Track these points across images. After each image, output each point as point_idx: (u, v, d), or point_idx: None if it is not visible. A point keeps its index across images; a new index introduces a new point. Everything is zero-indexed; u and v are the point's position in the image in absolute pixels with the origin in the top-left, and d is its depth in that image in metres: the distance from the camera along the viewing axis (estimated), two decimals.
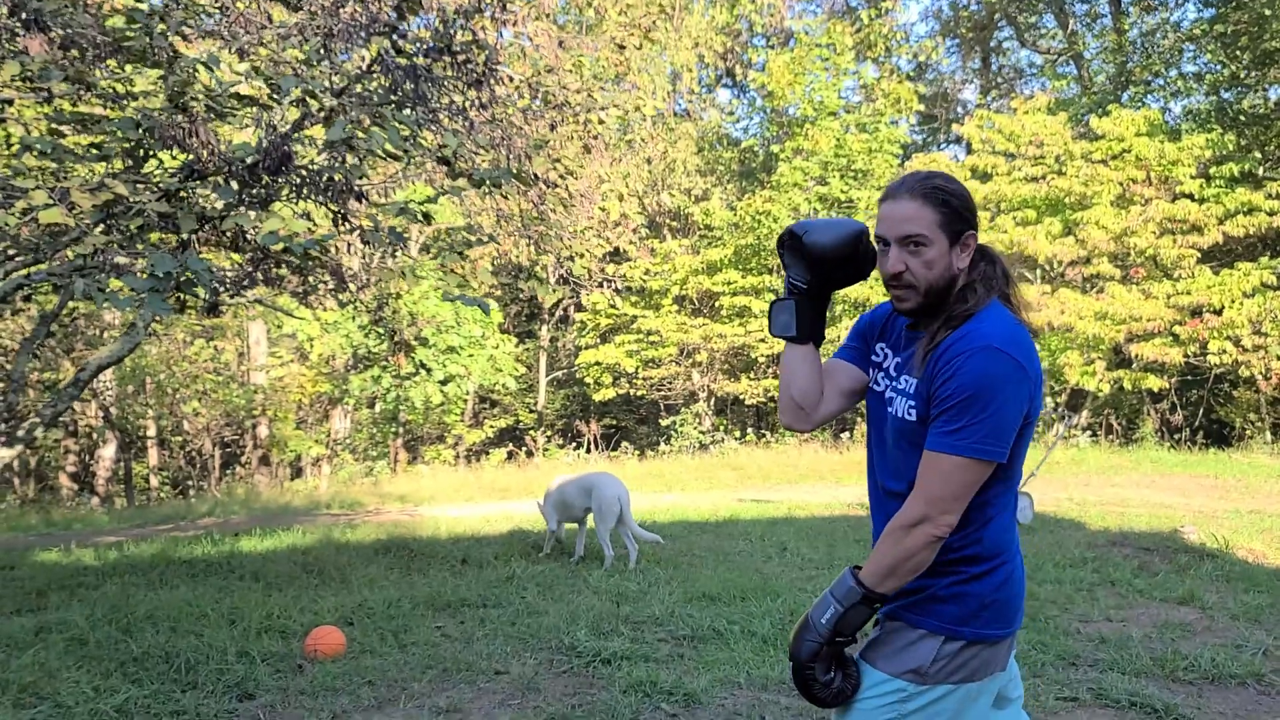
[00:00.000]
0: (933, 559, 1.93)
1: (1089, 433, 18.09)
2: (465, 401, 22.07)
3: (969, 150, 19.65)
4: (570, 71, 6.79)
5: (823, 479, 14.99)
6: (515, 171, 5.36)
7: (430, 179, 6.21)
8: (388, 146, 4.75)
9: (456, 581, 7.07)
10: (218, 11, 6.32)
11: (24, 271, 6.18)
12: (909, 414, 2.01)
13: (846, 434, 18.83)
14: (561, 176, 7.67)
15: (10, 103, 6.15)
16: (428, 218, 5.31)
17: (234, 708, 4.50)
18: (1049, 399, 18.65)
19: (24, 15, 5.23)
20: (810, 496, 12.59)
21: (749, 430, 20.27)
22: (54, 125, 6.09)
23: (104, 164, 5.12)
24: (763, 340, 19.42)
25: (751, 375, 20.80)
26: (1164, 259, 17.11)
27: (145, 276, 4.07)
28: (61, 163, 4.92)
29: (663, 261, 20.79)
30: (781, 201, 19.17)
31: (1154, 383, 17.10)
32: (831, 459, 16.77)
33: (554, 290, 21.17)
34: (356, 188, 5.13)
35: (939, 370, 1.93)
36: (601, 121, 6.43)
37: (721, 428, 21.08)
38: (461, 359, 18.34)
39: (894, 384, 2.10)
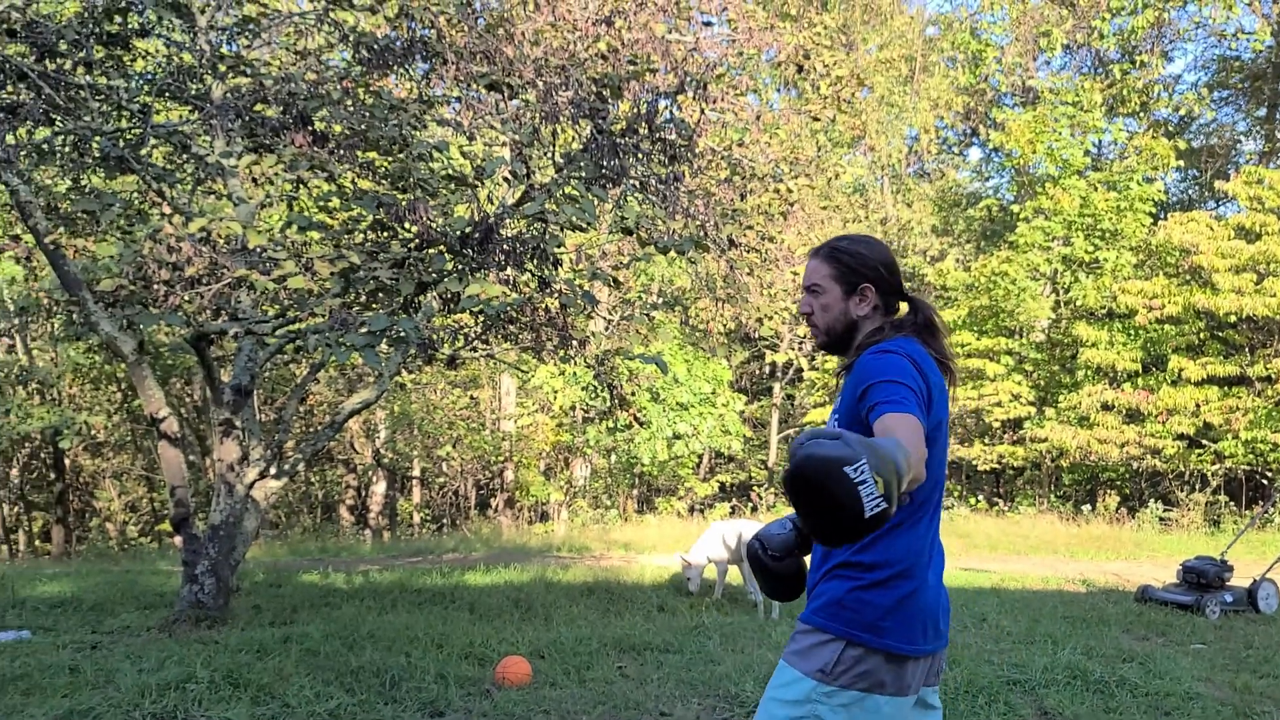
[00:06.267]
0: None
1: None
2: (698, 456, 22.60)
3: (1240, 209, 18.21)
4: (769, 143, 7.18)
5: (1054, 552, 14.20)
6: (698, 240, 5.75)
7: (621, 248, 6.73)
8: (576, 220, 5.27)
9: (646, 625, 7.42)
10: (454, 100, 7.17)
11: (294, 327, 7.20)
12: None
13: (1089, 506, 17.69)
14: (766, 239, 7.98)
15: (304, 183, 7.26)
16: (617, 283, 5.76)
17: None
18: None
19: (293, 113, 6.22)
20: (1031, 569, 12.00)
21: (980, 497, 19.46)
22: (323, 204, 7.12)
23: (346, 237, 5.95)
24: (997, 404, 18.69)
25: (985, 440, 20.00)
26: None
27: (363, 333, 4.76)
28: (310, 234, 5.76)
29: None
30: (1019, 262, 18.49)
31: None
32: (1068, 531, 15.82)
33: (736, 350, 21.47)
34: (553, 255, 5.68)
35: (847, 385, 2.23)
36: (791, 190, 6.75)
37: (954, 494, 20.35)
38: (690, 417, 18.86)
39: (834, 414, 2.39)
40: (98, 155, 6.36)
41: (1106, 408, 17.87)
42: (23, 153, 5.93)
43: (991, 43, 23.44)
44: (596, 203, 6.03)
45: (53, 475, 21.02)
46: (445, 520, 24.23)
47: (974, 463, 20.14)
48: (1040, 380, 19.83)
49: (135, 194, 7.12)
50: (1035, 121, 19.52)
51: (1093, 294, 18.45)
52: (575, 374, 18.61)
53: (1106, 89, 22.18)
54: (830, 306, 2.35)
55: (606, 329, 18.26)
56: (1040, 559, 13.55)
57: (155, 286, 5.74)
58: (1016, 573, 11.55)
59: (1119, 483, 19.67)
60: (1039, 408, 19.32)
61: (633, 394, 17.04)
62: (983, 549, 14.66)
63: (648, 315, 5.69)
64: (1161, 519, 16.91)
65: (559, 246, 5.80)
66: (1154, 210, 19.05)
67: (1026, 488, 21.43)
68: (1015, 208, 20.35)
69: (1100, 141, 23.05)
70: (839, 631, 2.17)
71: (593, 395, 18.27)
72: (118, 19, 6.73)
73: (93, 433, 19.06)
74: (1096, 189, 18.78)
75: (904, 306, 2.38)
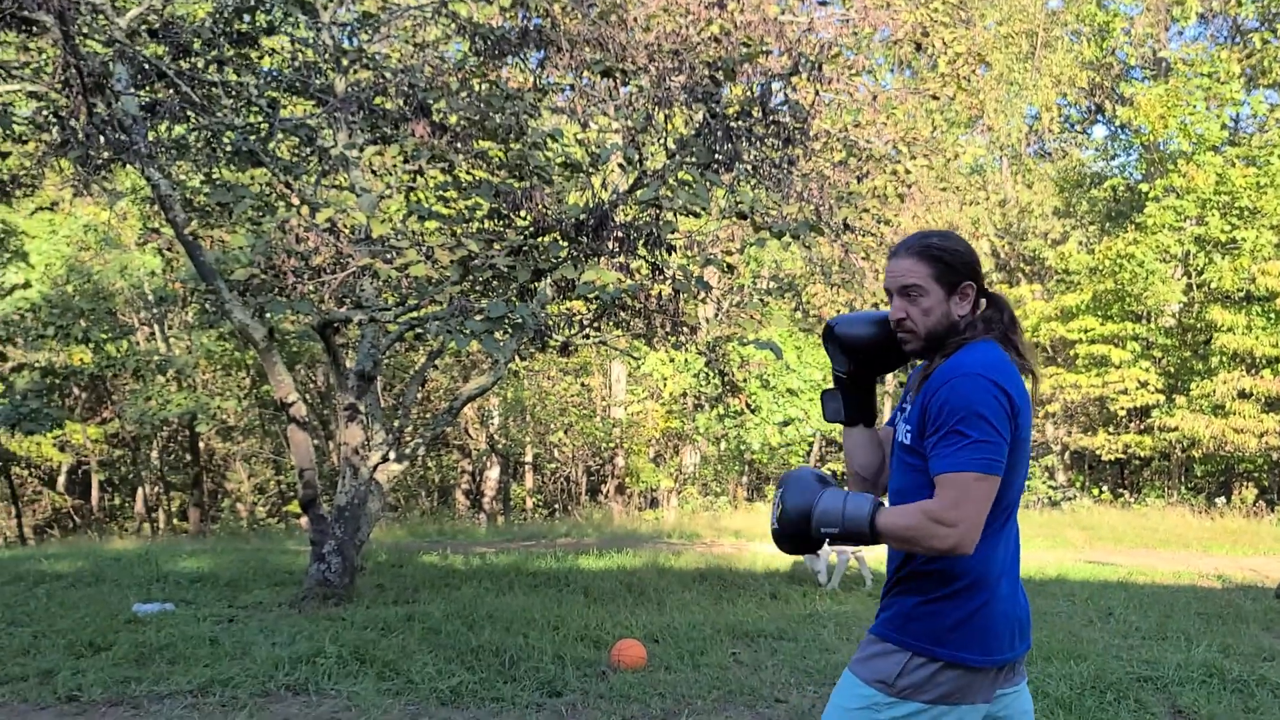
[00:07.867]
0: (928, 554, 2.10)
1: None
2: (810, 443, 22.40)
3: None
4: (885, 124, 7.02)
5: (1186, 546, 13.58)
6: (814, 224, 5.67)
7: (733, 233, 6.69)
8: (689, 205, 5.25)
9: (760, 613, 7.39)
10: (568, 88, 7.22)
11: (416, 314, 7.40)
12: (906, 437, 2.23)
13: (1223, 498, 16.85)
14: (882, 222, 7.83)
15: (421, 173, 7.45)
16: (731, 268, 5.72)
17: (542, 701, 5.12)
18: None
19: (413, 104, 6.36)
20: (1161, 563, 11.50)
21: (1104, 488, 18.74)
22: (440, 193, 7.27)
23: (463, 225, 6.07)
24: (1123, 392, 17.93)
25: (1110, 429, 19.21)
26: None
27: (481, 320, 4.85)
28: (431, 223, 5.89)
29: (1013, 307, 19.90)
30: (1148, 244, 17.67)
31: None
32: (1201, 525, 15.10)
33: None
34: (667, 241, 5.68)
35: (930, 398, 2.13)
36: (909, 171, 6.58)
37: (1077, 484, 19.65)
38: (801, 402, 18.70)
39: (903, 413, 2.30)
40: (229, 149, 6.64)
41: (1244, 395, 17.00)
42: (162, 149, 6.22)
43: (1120, 13, 22.41)
44: (709, 187, 6.00)
45: (189, 458, 22.13)
46: (557, 505, 24.58)
47: (1097, 452, 19.40)
48: (1170, 367, 18.96)
49: (265, 186, 7.40)
50: (1167, 95, 18.61)
51: (1229, 276, 17.54)
52: (685, 360, 18.64)
53: (1245, 59, 20.96)
54: (932, 310, 2.21)
55: (716, 315, 18.18)
56: (1171, 553, 12.99)
57: (284, 275, 5.96)
58: (1145, 567, 11.09)
59: (1257, 474, 18.69)
60: (1168, 395, 18.48)
61: (744, 380, 16.98)
62: (1107, 541, 14.13)
63: (761, 300, 5.67)
64: None
65: (673, 232, 5.80)
66: None
67: (1154, 479, 20.55)
68: (1144, 186, 19.46)
69: (1238, 115, 21.83)
70: (906, 644, 2.15)
71: (703, 382, 18.27)
72: (247, 18, 7.00)
73: (224, 417, 19.96)
74: (1234, 165, 17.82)
75: (982, 303, 2.28)
